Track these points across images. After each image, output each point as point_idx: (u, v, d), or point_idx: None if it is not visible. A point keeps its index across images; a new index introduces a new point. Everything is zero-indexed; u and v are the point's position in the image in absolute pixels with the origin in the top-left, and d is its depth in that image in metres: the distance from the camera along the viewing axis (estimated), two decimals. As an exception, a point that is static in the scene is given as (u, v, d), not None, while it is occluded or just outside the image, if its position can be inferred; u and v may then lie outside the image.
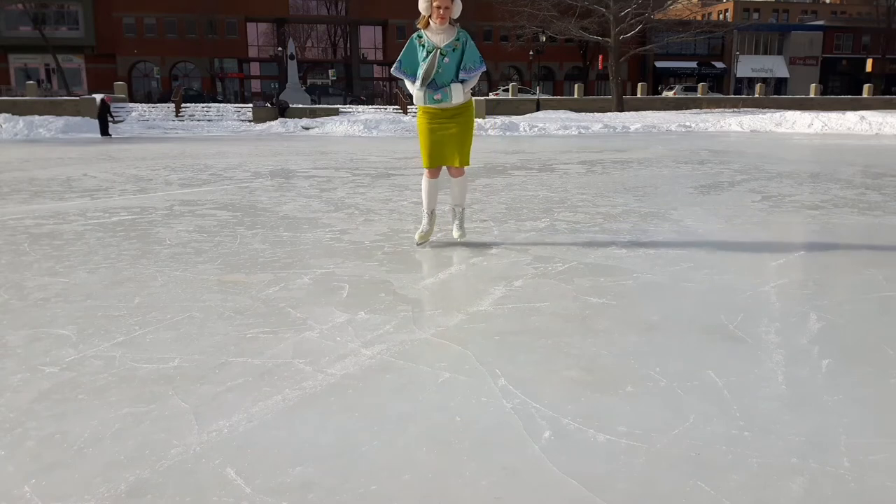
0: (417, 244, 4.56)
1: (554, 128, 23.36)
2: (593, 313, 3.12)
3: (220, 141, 19.27)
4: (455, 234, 4.62)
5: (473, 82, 4.36)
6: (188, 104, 32.62)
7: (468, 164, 4.47)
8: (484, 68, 4.35)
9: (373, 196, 7.20)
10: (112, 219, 5.80)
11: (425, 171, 4.50)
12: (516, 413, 2.13)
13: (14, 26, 46.29)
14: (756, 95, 39.67)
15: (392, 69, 4.41)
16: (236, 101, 46.29)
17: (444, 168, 4.53)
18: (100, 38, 48.56)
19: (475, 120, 4.54)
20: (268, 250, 4.49)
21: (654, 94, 46.48)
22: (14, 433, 2.01)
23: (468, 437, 1.99)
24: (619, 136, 20.98)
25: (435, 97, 4.24)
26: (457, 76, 4.26)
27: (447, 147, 4.38)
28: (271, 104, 30.32)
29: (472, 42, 4.29)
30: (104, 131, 21.97)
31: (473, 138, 4.53)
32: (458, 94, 4.25)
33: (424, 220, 4.58)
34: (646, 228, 5.21)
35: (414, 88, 4.31)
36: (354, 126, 23.42)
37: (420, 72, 4.21)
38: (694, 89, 43.58)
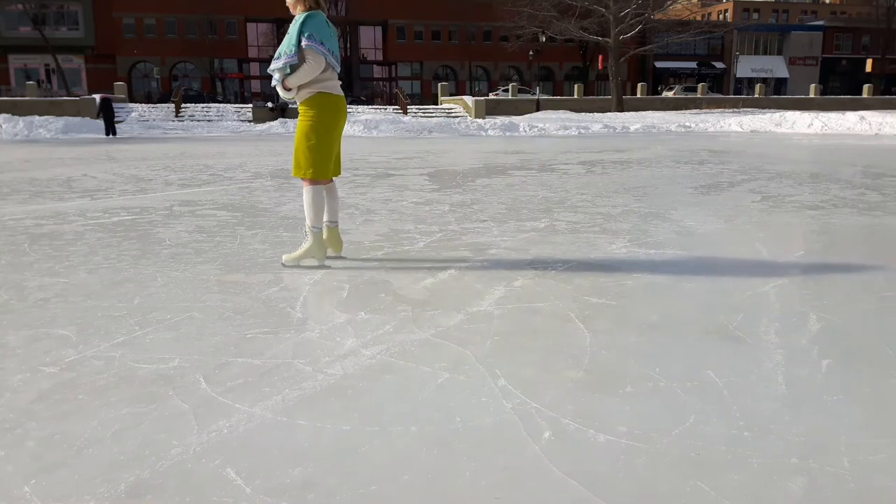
0: None
1: (554, 128, 23.37)
2: (593, 313, 3.11)
3: (220, 141, 19.26)
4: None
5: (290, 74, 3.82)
6: (188, 104, 32.64)
7: (297, 175, 4.03)
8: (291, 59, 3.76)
9: (373, 196, 7.20)
10: (112, 219, 5.80)
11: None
12: (516, 413, 2.13)
13: (14, 26, 46.33)
14: (756, 95, 39.69)
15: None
16: (236, 102, 46.31)
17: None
18: (100, 38, 48.58)
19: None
20: (268, 250, 4.49)
21: (653, 94, 46.53)
22: (14, 433, 2.01)
23: (468, 437, 1.99)
24: (619, 136, 20.98)
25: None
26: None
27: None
28: (272, 105, 30.31)
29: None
30: (109, 130, 21.89)
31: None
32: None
33: None
34: (646, 228, 5.21)
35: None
36: (354, 126, 23.41)
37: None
38: (694, 89, 43.62)
